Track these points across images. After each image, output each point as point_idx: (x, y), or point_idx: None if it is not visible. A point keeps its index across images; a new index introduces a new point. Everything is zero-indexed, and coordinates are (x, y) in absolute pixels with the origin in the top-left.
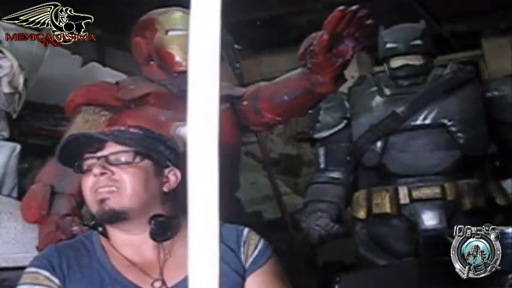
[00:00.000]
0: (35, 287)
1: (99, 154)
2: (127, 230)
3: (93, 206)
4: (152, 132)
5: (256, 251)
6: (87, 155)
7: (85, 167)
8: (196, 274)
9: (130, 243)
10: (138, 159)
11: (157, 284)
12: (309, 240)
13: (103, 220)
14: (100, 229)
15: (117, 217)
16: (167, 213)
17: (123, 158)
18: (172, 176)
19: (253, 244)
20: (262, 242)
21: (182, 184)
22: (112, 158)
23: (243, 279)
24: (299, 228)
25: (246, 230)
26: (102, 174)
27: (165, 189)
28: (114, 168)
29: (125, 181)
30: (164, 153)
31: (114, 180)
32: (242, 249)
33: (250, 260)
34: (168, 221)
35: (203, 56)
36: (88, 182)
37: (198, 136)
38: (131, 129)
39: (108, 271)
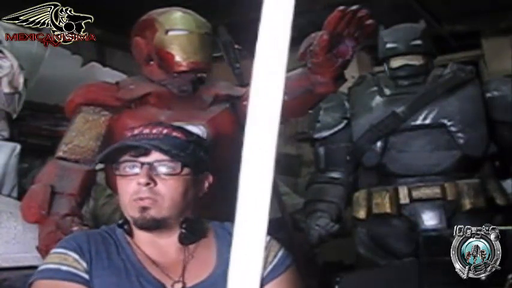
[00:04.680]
0: (63, 267)
1: (142, 160)
2: (157, 233)
3: (132, 211)
4: (192, 134)
5: (276, 259)
6: (127, 157)
7: (124, 170)
8: (236, 276)
9: (154, 243)
10: (180, 169)
11: (178, 285)
12: (309, 240)
13: (142, 226)
14: (126, 227)
15: (157, 225)
16: (194, 215)
17: (168, 168)
18: (206, 181)
19: (273, 251)
20: (282, 250)
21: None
22: (156, 165)
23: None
24: (299, 228)
25: (267, 237)
26: (147, 184)
27: (200, 194)
28: (157, 179)
29: (166, 194)
30: (203, 158)
31: (157, 192)
32: None
33: (270, 267)
34: (197, 225)
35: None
36: (128, 187)
37: (255, 142)
38: (174, 133)
39: (134, 264)
